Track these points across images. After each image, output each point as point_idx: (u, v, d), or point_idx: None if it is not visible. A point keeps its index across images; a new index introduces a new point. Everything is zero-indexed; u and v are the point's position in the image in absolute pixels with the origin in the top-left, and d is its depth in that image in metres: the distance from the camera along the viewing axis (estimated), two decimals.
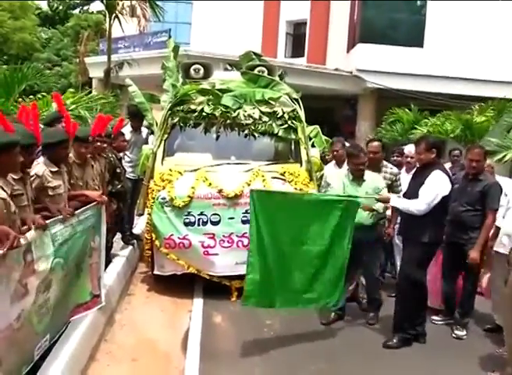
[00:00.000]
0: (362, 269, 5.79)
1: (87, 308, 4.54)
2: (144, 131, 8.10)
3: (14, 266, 3.00)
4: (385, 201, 5.18)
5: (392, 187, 5.96)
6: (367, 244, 5.44)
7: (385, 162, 6.25)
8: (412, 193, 5.01)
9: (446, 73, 17.26)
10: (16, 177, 3.48)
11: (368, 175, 5.55)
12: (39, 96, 9.25)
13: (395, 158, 6.92)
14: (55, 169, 4.32)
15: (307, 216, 5.08)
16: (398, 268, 5.83)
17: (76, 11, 34.46)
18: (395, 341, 5.05)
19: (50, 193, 4.25)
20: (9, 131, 3.34)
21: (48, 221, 3.59)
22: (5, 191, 3.24)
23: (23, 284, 3.15)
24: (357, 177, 5.50)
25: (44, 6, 36.08)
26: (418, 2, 18.57)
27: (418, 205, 4.86)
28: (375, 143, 6.24)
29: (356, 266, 5.65)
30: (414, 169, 5.77)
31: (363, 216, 5.38)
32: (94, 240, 4.65)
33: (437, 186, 4.83)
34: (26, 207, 3.57)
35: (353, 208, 5.08)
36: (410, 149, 6.42)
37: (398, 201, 5.14)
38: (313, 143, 7.72)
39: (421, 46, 17.96)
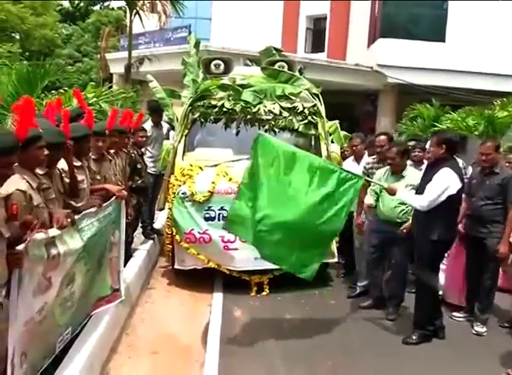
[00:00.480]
0: (391, 264, 5.75)
1: (108, 302, 4.59)
2: (165, 126, 8.15)
3: (37, 260, 3.00)
4: (392, 192, 5.12)
5: None
6: (397, 241, 5.46)
7: None
8: (422, 189, 4.93)
9: (468, 68, 17.05)
10: (41, 172, 3.50)
11: (410, 171, 5.59)
12: (61, 91, 9.34)
13: (416, 153, 6.86)
14: (79, 163, 4.32)
15: (305, 175, 4.96)
16: None
17: (97, 7, 34.90)
18: (414, 337, 5.03)
19: None
20: (32, 126, 3.37)
21: (77, 217, 3.63)
22: (30, 184, 3.24)
23: (47, 278, 3.17)
24: (395, 173, 5.54)
25: (65, 3, 36.46)
26: None
27: (421, 201, 4.81)
28: (382, 137, 6.21)
29: (384, 259, 5.74)
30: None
31: (395, 213, 5.42)
32: (114, 234, 4.70)
33: (443, 184, 4.73)
34: (53, 200, 3.60)
35: (354, 184, 4.99)
36: None
37: (403, 195, 5.10)
38: (332, 139, 7.71)
39: (443, 40, 17.77)
